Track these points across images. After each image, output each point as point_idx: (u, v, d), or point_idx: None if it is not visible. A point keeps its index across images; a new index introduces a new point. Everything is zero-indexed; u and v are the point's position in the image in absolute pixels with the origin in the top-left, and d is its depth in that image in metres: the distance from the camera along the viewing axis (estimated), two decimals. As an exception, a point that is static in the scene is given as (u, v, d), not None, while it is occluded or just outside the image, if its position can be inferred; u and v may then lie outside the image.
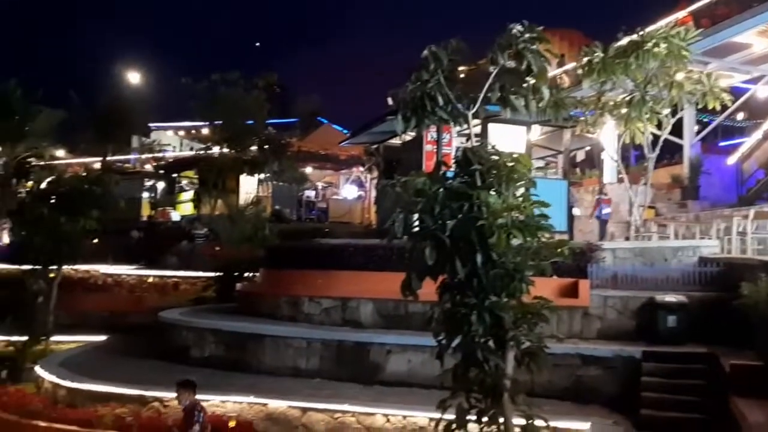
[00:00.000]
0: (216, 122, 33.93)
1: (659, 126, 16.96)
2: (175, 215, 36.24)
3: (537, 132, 18.29)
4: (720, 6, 22.03)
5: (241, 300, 18.28)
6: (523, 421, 6.53)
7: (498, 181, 6.62)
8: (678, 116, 17.98)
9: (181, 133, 50.85)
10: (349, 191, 40.08)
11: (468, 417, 6.53)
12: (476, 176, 6.57)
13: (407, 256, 6.70)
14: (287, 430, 11.21)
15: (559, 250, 6.95)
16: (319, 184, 41.88)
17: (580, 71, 17.23)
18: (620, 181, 19.20)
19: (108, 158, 42.00)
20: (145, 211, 38.06)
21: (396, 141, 18.99)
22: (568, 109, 14.81)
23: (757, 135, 26.00)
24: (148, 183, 41.59)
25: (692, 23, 19.11)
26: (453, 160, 7.01)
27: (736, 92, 20.36)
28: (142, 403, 11.90)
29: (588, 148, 25.93)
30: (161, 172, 41.65)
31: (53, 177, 23.96)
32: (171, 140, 48.47)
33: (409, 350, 12.70)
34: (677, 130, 21.08)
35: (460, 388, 6.62)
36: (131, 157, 46.15)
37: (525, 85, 7.73)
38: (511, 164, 6.68)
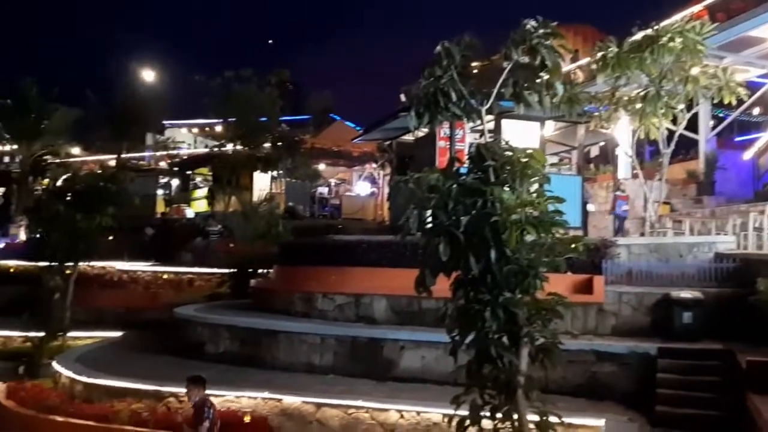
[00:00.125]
0: (229, 119, 34.08)
1: (674, 121, 16.83)
2: (190, 212, 36.44)
3: (551, 128, 18.22)
4: (735, 0, 21.81)
5: (256, 296, 18.36)
6: (537, 418, 6.53)
7: (512, 177, 6.61)
8: (693, 111, 17.81)
9: (195, 130, 51.22)
10: (362, 188, 40.07)
11: (482, 413, 6.54)
12: (490, 172, 6.57)
13: (421, 252, 6.71)
14: (301, 426, 11.27)
15: (573, 246, 6.93)
16: (332, 181, 41.95)
17: (594, 66, 17.14)
18: (635, 176, 19.09)
19: (123, 156, 42.40)
20: (160, 208, 38.34)
21: (409, 137, 18.99)
22: (582, 105, 14.60)
23: (774, 130, 25.71)
24: (163, 180, 41.91)
25: (707, 17, 18.93)
26: (466, 156, 7.00)
27: (752, 87, 20.08)
28: (158, 399, 12.00)
29: (602, 143, 25.82)
30: (175, 169, 41.92)
31: (69, 174, 24.17)
32: (185, 137, 48.78)
33: (422, 346, 12.69)
34: (692, 125, 20.91)
35: (474, 385, 6.63)
36: (146, 154, 46.50)
37: (539, 80, 7.69)
38: (524, 160, 6.66)
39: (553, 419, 6.54)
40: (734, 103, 16.69)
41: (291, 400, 11.46)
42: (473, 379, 6.62)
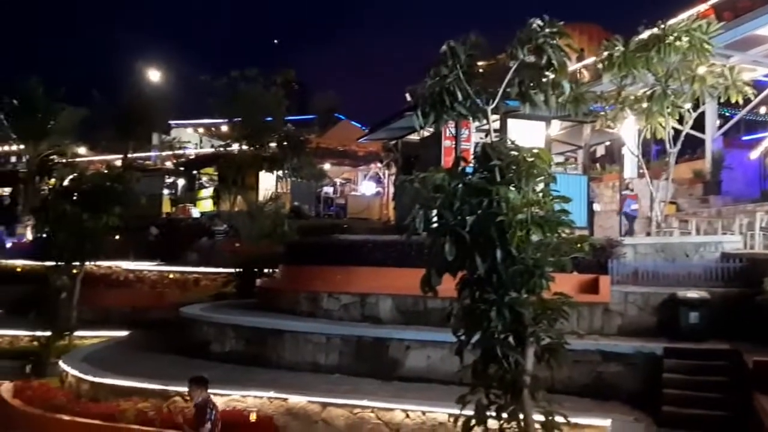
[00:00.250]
0: (235, 119, 34.15)
1: (681, 120, 16.77)
2: (195, 212, 36.48)
3: (556, 127, 18.17)
4: (742, -1, 21.72)
5: (261, 296, 18.39)
6: (542, 418, 6.51)
7: (517, 176, 6.60)
8: (700, 110, 17.74)
9: (201, 130, 51.25)
10: (367, 187, 40.05)
11: (487, 413, 6.53)
12: (495, 172, 6.56)
13: (426, 252, 6.71)
14: (307, 425, 11.29)
15: (579, 245, 6.92)
16: (338, 181, 41.94)
17: (600, 66, 17.07)
18: (641, 176, 19.02)
19: (129, 155, 42.47)
20: (166, 208, 38.39)
21: (414, 137, 18.95)
22: (588, 104, 14.66)
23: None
24: (169, 180, 41.94)
25: (714, 16, 18.86)
26: (472, 156, 7.00)
27: (759, 86, 19.97)
28: (164, 398, 12.04)
29: (608, 143, 25.71)
30: (181, 169, 41.95)
31: (75, 174, 24.23)
32: (191, 137, 48.78)
33: (428, 346, 12.69)
34: (699, 124, 20.80)
35: (480, 384, 6.62)
36: (152, 154, 46.57)
37: (544, 79, 7.68)
38: (530, 159, 6.65)
39: (559, 419, 6.53)
40: (741, 102, 16.63)
41: (296, 400, 11.48)
42: (479, 378, 6.61)
